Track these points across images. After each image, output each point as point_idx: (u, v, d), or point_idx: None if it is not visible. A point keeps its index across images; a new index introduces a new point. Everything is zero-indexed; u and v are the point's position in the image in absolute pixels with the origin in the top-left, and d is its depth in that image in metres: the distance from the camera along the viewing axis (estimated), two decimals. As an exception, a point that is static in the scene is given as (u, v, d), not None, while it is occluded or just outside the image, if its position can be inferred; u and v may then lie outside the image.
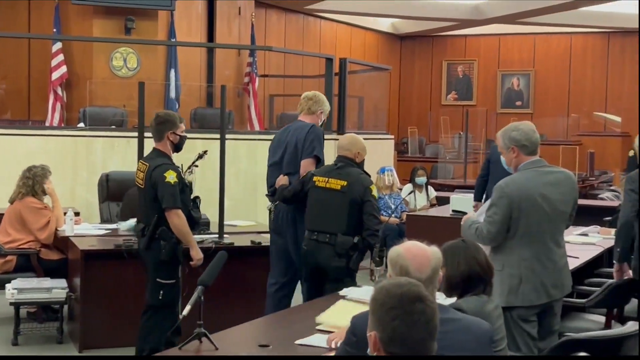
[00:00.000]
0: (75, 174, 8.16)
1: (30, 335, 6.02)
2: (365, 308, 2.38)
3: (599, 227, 6.80)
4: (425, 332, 2.19)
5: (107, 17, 10.55)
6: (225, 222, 6.18)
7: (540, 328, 4.09)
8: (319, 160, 5.51)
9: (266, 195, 5.81)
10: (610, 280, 4.87)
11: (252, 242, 6.15)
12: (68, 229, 6.26)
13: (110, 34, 10.52)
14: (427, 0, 15.25)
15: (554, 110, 16.70)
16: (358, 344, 2.72)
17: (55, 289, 5.87)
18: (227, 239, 6.04)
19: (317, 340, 3.43)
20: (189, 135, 5.26)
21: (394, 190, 9.03)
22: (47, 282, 5.97)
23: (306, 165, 5.46)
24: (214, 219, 6.28)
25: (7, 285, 5.88)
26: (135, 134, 6.25)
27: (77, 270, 5.80)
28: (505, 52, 17.41)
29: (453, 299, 3.28)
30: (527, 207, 4.01)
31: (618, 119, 15.77)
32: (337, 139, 7.31)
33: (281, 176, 5.57)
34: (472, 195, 7.51)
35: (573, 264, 4.89)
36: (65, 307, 6.04)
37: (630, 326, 3.46)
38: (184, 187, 5.04)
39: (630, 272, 4.92)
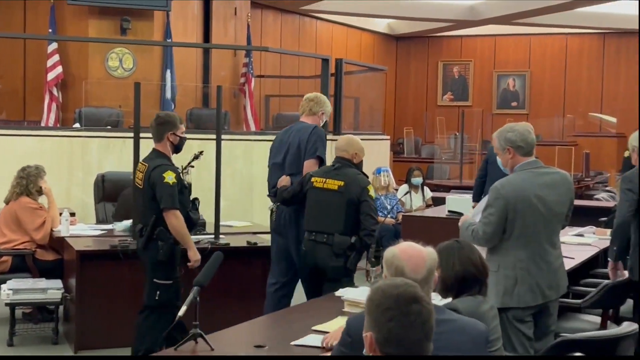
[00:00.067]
0: (70, 175, 8.15)
1: (25, 336, 6.02)
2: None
3: (594, 227, 6.80)
4: (421, 333, 2.19)
5: (103, 18, 10.53)
6: (221, 223, 6.19)
7: (536, 328, 4.10)
8: (321, 161, 5.51)
9: (268, 195, 5.80)
10: (606, 281, 4.87)
11: (248, 242, 6.16)
12: (63, 229, 6.26)
13: (106, 35, 10.50)
14: (422, 0, 15.25)
15: (550, 110, 16.71)
16: (353, 344, 2.72)
17: (50, 289, 5.87)
18: (223, 240, 6.04)
19: (312, 341, 3.44)
20: (184, 136, 5.26)
21: (389, 190, 9.04)
22: (42, 282, 5.97)
23: (309, 166, 5.46)
24: (209, 219, 6.29)
25: (3, 286, 5.87)
26: (131, 134, 6.24)
27: (72, 270, 5.80)
28: (500, 52, 17.42)
29: (449, 300, 3.29)
30: (523, 209, 4.01)
31: (613, 119, 15.80)
32: (333, 140, 7.31)
33: (283, 177, 5.57)
34: (468, 196, 7.52)
35: (569, 264, 4.88)
36: (61, 307, 6.04)
37: (626, 327, 3.46)
38: (183, 188, 5.04)
39: (625, 271, 4.93)
